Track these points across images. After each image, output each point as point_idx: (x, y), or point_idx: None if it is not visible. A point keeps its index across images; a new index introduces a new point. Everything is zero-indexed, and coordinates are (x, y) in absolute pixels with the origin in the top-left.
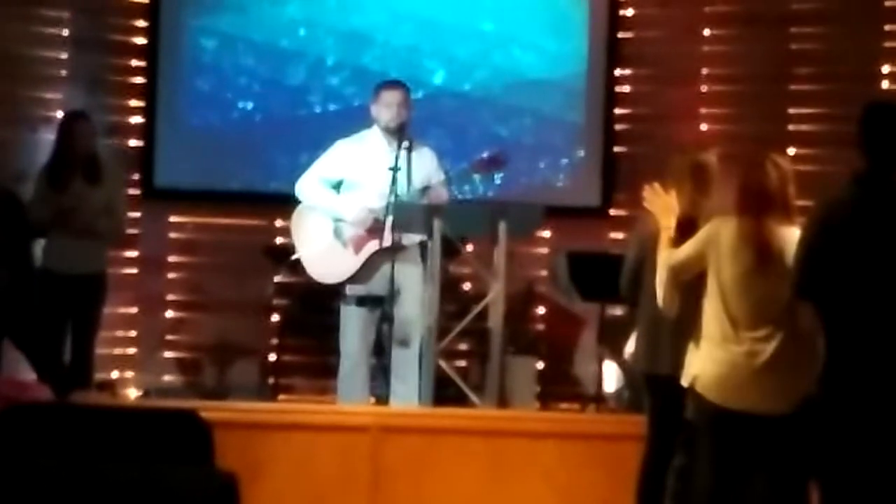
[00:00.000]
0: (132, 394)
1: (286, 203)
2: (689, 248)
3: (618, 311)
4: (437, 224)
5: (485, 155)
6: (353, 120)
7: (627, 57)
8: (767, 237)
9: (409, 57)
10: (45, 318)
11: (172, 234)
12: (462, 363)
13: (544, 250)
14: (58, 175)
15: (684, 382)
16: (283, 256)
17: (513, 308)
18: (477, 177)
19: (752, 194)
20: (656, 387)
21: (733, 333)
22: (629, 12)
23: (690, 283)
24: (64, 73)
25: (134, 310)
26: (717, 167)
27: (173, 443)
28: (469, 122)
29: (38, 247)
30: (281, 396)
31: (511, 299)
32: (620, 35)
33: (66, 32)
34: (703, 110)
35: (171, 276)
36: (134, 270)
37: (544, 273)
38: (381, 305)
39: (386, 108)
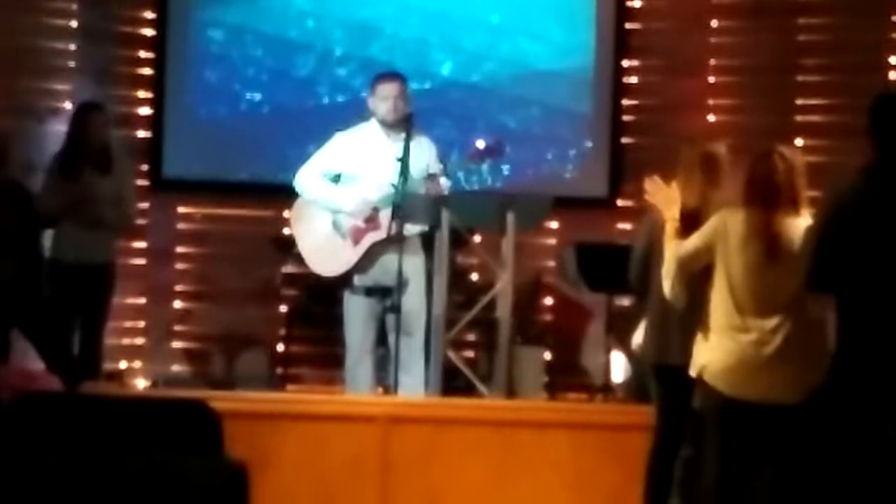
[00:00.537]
0: (140, 384)
1: (294, 194)
2: (696, 239)
3: (625, 301)
4: (445, 214)
5: (479, 144)
6: (361, 111)
7: (635, 48)
8: (776, 229)
9: (416, 48)
10: (54, 309)
11: (181, 225)
12: (470, 353)
13: (552, 241)
14: (70, 165)
15: (692, 372)
16: (291, 247)
17: (520, 298)
18: (472, 166)
19: (759, 186)
20: (664, 377)
21: (742, 323)
22: (637, 3)
23: (698, 274)
24: (72, 64)
25: (142, 300)
26: (726, 158)
27: (183, 433)
28: (477, 113)
29: (47, 237)
30: (289, 386)
31: (519, 290)
32: (628, 26)
33: (74, 23)
34: (711, 101)
35: (179, 266)
36: (142, 261)
37: (552, 264)
38: (390, 296)
39: (383, 100)
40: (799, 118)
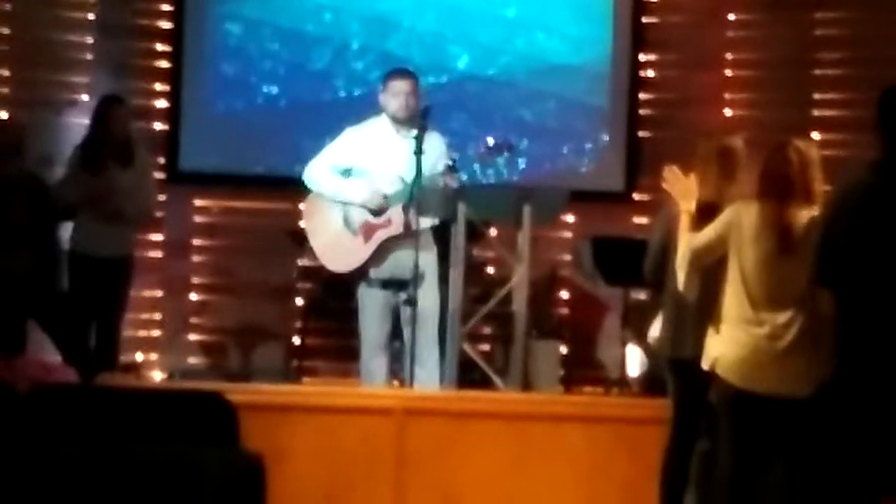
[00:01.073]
0: (157, 376)
1: (309, 188)
2: (710, 231)
3: (641, 295)
4: (461, 208)
5: (489, 141)
6: (378, 105)
7: (652, 41)
8: (789, 222)
9: (433, 42)
10: (72, 301)
11: (197, 218)
12: (486, 347)
13: (568, 235)
14: (92, 158)
15: (704, 365)
16: (306, 240)
17: (537, 292)
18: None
19: (773, 179)
20: (680, 371)
21: (754, 316)
22: None
23: (712, 267)
24: (90, 57)
25: (159, 293)
26: (743, 152)
27: (199, 424)
28: (493, 106)
29: (66, 229)
30: (305, 379)
31: (535, 283)
32: (645, 20)
33: (91, 16)
34: (728, 95)
35: (195, 259)
36: (159, 254)
37: (568, 257)
38: (405, 289)
39: (394, 97)
40: (816, 112)
